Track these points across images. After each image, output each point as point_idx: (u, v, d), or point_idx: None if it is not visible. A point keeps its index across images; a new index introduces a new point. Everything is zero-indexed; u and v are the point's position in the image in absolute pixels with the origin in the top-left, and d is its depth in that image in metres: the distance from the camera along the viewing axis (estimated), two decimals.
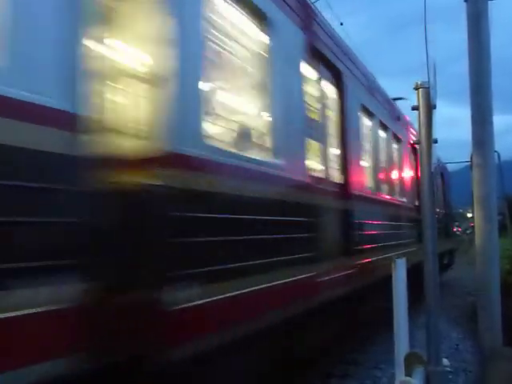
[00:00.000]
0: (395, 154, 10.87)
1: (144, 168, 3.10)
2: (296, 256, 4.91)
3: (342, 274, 6.16)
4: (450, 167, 23.91)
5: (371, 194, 8.20)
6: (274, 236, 4.53)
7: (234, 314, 3.83)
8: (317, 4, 9.95)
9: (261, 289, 4.10)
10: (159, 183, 3.08)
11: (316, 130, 5.99)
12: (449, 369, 4.12)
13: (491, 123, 5.81)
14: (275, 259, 4.49)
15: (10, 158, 2.29)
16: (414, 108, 4.04)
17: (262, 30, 4.80)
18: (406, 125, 12.08)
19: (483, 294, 5.60)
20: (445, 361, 3.90)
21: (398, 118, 11.05)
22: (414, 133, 12.45)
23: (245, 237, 4.05)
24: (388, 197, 9.60)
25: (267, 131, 4.80)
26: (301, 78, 5.49)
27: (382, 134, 9.63)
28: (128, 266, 2.91)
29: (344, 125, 6.86)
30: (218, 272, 3.60)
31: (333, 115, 6.73)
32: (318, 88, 6.22)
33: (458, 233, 35.36)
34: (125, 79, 3.24)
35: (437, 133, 4.01)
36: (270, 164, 4.58)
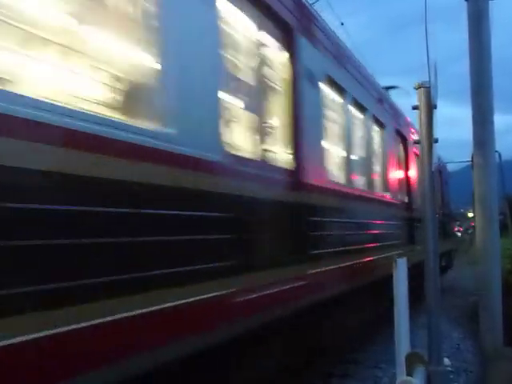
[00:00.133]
0: (376, 141, 9.18)
1: None
2: (200, 267, 3.46)
3: (285, 287, 4.68)
4: (451, 167, 23.97)
5: (339, 186, 6.70)
6: (153, 238, 3.11)
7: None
8: (317, 4, 9.83)
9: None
10: None
11: (246, 96, 4.59)
12: (450, 369, 4.13)
13: (492, 123, 5.82)
14: (155, 272, 3.06)
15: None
16: (415, 107, 4.04)
17: None
18: (394, 110, 10.62)
19: (484, 293, 5.61)
20: (446, 361, 3.91)
21: (380, 99, 9.52)
22: (405, 120, 11.34)
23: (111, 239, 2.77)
24: (366, 191, 8.12)
25: (153, 88, 3.35)
26: (217, 20, 4.03)
27: (357, 114, 8.07)
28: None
29: (296, 96, 5.42)
30: None
31: (279, 82, 5.31)
32: (252, 40, 4.75)
33: (457, 233, 35.37)
34: None
35: (437, 132, 4.01)
36: (154, 134, 3.19)
